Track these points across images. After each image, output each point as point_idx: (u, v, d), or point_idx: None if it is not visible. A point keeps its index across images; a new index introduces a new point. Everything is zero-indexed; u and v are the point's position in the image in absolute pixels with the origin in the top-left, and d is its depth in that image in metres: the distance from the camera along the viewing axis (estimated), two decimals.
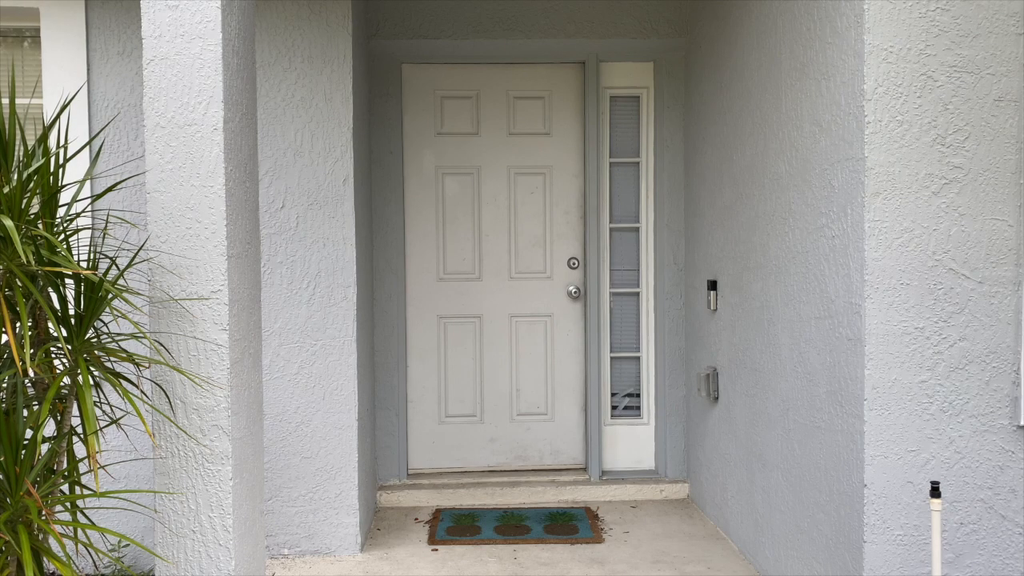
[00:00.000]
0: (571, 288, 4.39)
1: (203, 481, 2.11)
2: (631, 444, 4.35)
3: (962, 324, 2.34)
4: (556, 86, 4.38)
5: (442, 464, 4.42)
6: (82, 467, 2.53)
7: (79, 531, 2.27)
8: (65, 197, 2.10)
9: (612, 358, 4.35)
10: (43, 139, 1.92)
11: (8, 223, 1.69)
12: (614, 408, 4.37)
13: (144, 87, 2.11)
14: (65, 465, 1.94)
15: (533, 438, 4.44)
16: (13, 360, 1.83)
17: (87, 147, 3.08)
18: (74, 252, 1.96)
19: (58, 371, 1.92)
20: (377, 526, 3.84)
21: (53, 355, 1.93)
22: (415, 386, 4.30)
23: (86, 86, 3.36)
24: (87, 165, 3.23)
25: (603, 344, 4.30)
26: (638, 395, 4.38)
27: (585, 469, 4.34)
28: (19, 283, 1.80)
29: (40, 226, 1.87)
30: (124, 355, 1.94)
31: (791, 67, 2.83)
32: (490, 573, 3.27)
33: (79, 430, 1.91)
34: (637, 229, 4.32)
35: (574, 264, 4.41)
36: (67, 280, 1.96)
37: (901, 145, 2.32)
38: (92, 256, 2.06)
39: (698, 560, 3.38)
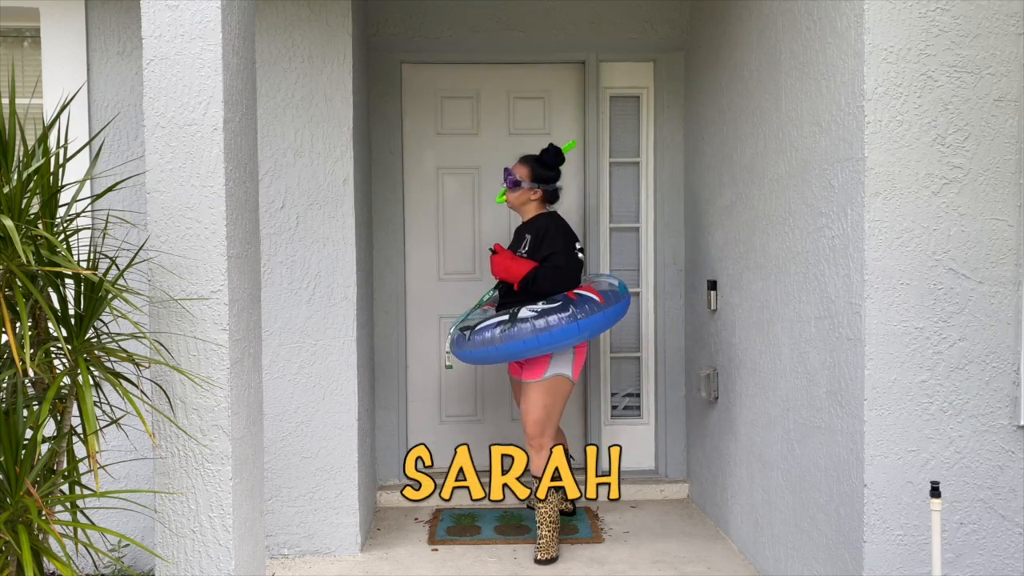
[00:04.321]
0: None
1: (203, 481, 2.11)
2: (631, 444, 4.35)
3: (962, 324, 2.34)
4: (556, 86, 4.38)
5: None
6: (82, 467, 2.53)
7: (79, 531, 2.27)
8: (65, 197, 2.10)
9: (612, 358, 4.35)
10: (43, 139, 1.91)
11: (8, 223, 1.69)
12: (614, 408, 4.37)
13: (144, 87, 2.11)
14: (65, 465, 1.94)
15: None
16: (13, 360, 1.83)
17: (87, 147, 3.08)
18: (74, 252, 1.96)
19: (58, 371, 1.92)
20: (377, 526, 3.84)
21: (53, 355, 1.93)
22: (415, 386, 4.30)
23: (86, 86, 3.36)
24: (87, 165, 3.23)
25: (603, 344, 4.30)
26: (638, 395, 4.38)
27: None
28: (19, 283, 1.80)
29: (40, 226, 1.87)
30: (124, 355, 1.94)
31: (791, 67, 2.83)
32: (490, 573, 3.26)
33: (79, 430, 1.91)
34: (637, 229, 4.32)
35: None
36: (67, 280, 1.96)
37: (901, 145, 2.32)
38: (92, 256, 2.06)
39: (698, 560, 3.38)
